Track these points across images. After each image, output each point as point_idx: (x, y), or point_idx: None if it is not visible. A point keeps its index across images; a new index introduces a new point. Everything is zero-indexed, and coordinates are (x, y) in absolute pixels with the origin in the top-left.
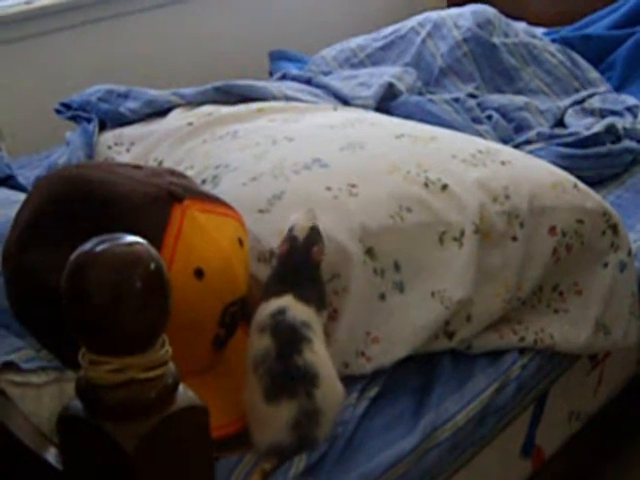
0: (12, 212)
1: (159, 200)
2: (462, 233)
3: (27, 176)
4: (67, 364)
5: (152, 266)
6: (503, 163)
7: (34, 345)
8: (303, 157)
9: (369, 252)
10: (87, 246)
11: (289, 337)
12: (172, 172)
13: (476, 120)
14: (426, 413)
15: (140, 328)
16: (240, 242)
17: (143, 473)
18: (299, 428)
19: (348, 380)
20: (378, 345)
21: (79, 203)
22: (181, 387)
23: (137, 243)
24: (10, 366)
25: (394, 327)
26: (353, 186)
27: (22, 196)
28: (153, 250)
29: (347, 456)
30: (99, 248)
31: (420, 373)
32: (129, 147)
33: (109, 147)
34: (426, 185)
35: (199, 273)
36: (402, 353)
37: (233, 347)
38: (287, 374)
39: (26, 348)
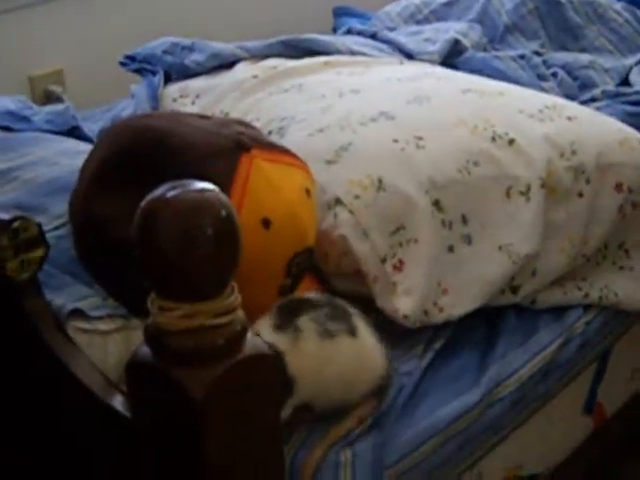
0: (79, 162)
1: (227, 150)
2: (529, 188)
3: (91, 128)
4: (133, 312)
5: (223, 213)
6: (570, 119)
7: (101, 293)
8: (370, 109)
9: (436, 204)
10: (158, 192)
11: None
12: (239, 122)
13: (541, 77)
14: (490, 367)
15: (210, 274)
16: (307, 192)
17: (210, 420)
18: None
19: (413, 332)
20: (448, 297)
21: (146, 153)
22: (249, 334)
23: (208, 189)
24: (78, 313)
25: (463, 280)
26: (420, 139)
27: (88, 147)
28: (224, 197)
29: (411, 408)
30: (170, 194)
31: (484, 327)
32: (194, 99)
33: (174, 99)
34: (493, 139)
35: (266, 223)
36: (471, 306)
37: None
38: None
39: (93, 296)
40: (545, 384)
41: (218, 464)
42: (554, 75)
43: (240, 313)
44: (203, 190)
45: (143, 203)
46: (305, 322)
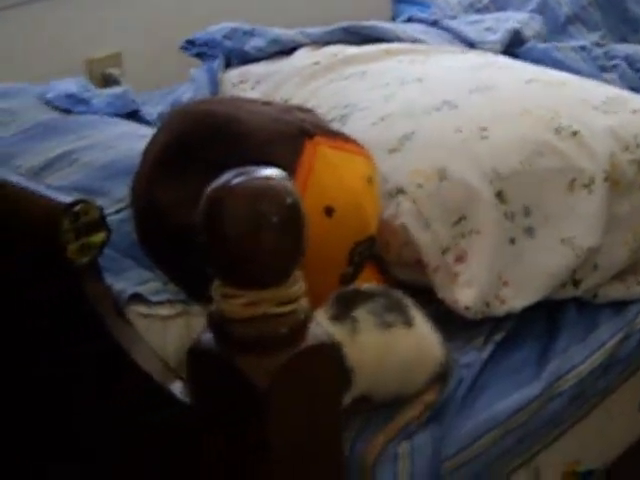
0: (139, 145)
1: (290, 136)
2: (592, 180)
3: (150, 112)
4: (194, 297)
5: (289, 200)
6: (634, 112)
7: (162, 278)
8: (433, 98)
9: (499, 195)
10: (224, 179)
11: None
12: (302, 109)
13: (602, 69)
14: (550, 361)
15: (275, 262)
16: (370, 181)
17: (273, 409)
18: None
19: (473, 324)
20: (509, 289)
21: (208, 139)
22: (313, 323)
23: (274, 176)
24: (138, 298)
25: (524, 272)
26: (484, 129)
27: (148, 130)
28: (290, 184)
29: (470, 400)
30: (236, 181)
31: (545, 320)
32: (254, 85)
33: (234, 85)
34: (557, 131)
35: (329, 211)
36: (533, 299)
37: None
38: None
39: (154, 280)
40: (605, 379)
41: (280, 452)
42: (615, 67)
43: (304, 302)
44: (269, 177)
45: (208, 190)
46: (362, 313)
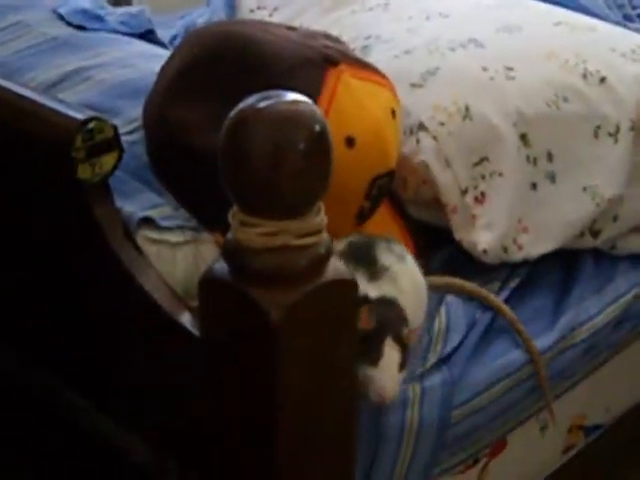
0: (154, 66)
1: (314, 62)
2: (617, 129)
3: (163, 35)
4: (205, 225)
5: (317, 128)
6: None
7: (172, 203)
8: (458, 35)
9: (523, 138)
10: (249, 101)
11: None
12: (327, 36)
13: (627, 18)
14: (565, 312)
15: (299, 191)
16: (393, 113)
17: (285, 343)
18: None
19: (489, 269)
20: (527, 235)
21: (231, 60)
22: (332, 259)
23: (302, 102)
24: (148, 222)
25: (544, 218)
26: (510, 69)
27: (164, 51)
28: (318, 110)
29: (483, 347)
30: (263, 104)
31: (561, 270)
32: (272, 12)
33: (251, 10)
34: (584, 76)
35: (350, 142)
36: (550, 246)
37: (373, 225)
38: None
39: (165, 205)
40: (617, 334)
41: (291, 388)
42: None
43: (325, 235)
44: (296, 102)
45: (233, 112)
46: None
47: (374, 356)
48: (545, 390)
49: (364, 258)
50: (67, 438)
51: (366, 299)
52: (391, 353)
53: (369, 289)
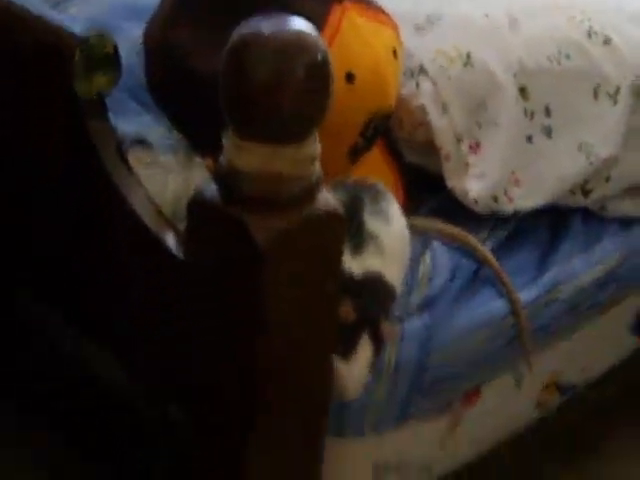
0: None
1: None
2: (617, 90)
3: None
4: (199, 149)
5: (319, 56)
6: None
7: (167, 126)
8: None
9: (522, 90)
10: (252, 24)
11: None
12: None
13: None
14: (550, 267)
15: (296, 118)
16: (395, 53)
17: (271, 270)
18: None
19: (479, 218)
20: (519, 188)
21: None
22: (323, 190)
23: (306, 29)
24: (141, 143)
25: (537, 172)
26: (514, 20)
27: None
28: (321, 40)
29: (466, 295)
30: (266, 28)
31: (549, 227)
32: None
33: None
34: (589, 35)
35: (350, 77)
36: (541, 200)
37: (365, 165)
38: None
39: (159, 127)
40: (601, 294)
41: (273, 314)
42: None
43: (318, 165)
44: (301, 29)
45: (236, 34)
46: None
47: (347, 350)
48: (525, 341)
49: (350, 225)
50: (49, 360)
51: (351, 279)
52: (365, 350)
53: (353, 264)
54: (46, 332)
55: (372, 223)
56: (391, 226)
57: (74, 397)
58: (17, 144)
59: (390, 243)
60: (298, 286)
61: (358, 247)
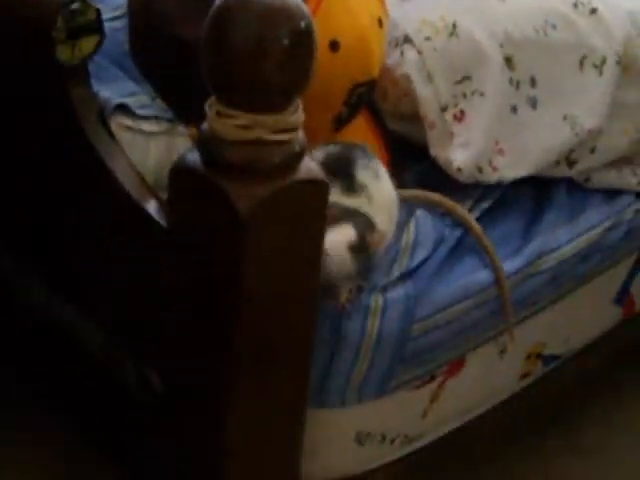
0: None
1: None
2: (603, 61)
3: None
4: (180, 117)
5: (302, 24)
6: None
7: (150, 93)
8: None
9: (508, 61)
10: None
11: None
12: None
13: None
14: (534, 238)
15: (279, 86)
16: (380, 22)
17: (252, 238)
18: None
19: (463, 187)
20: (503, 158)
21: None
22: (306, 158)
23: None
24: (123, 109)
25: (521, 143)
26: None
27: None
28: (305, 7)
29: (449, 265)
30: None
31: (534, 198)
32: None
33: None
34: (575, 5)
35: (334, 45)
36: (525, 171)
37: (349, 133)
38: None
39: (142, 94)
40: (585, 265)
41: (253, 284)
42: None
43: (301, 134)
44: None
45: (219, 0)
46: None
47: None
48: (507, 310)
49: (341, 172)
50: (29, 325)
51: (344, 209)
52: (346, 231)
53: (343, 200)
54: (31, 300)
55: (363, 175)
56: (380, 182)
57: (58, 362)
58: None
59: (379, 197)
60: (280, 253)
61: (350, 190)
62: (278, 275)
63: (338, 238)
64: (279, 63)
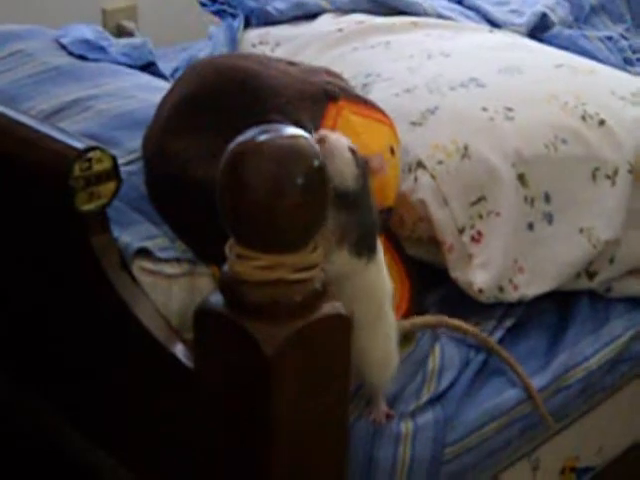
0: (154, 98)
1: (314, 97)
2: (616, 172)
3: (164, 67)
4: (201, 258)
5: (315, 163)
6: None
7: (169, 234)
8: (459, 75)
9: (521, 178)
10: (249, 135)
11: None
12: (328, 72)
13: (628, 62)
14: (560, 352)
15: (296, 226)
16: (392, 151)
17: (279, 377)
18: None
19: (484, 308)
20: (523, 275)
21: (232, 93)
22: (329, 294)
23: (301, 136)
24: (144, 253)
25: (540, 259)
26: (510, 110)
27: (165, 84)
28: (316, 146)
29: (477, 386)
30: (261, 138)
31: (556, 311)
32: (274, 47)
33: (253, 45)
34: (583, 118)
35: None
36: (546, 287)
37: None
38: None
39: (161, 237)
40: (612, 376)
41: (284, 423)
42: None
43: (321, 270)
44: (295, 136)
45: (232, 145)
46: None
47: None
48: (546, 417)
49: None
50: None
51: None
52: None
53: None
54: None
55: None
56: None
57: None
58: (22, 265)
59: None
60: (306, 389)
61: None
62: (305, 411)
63: (339, 137)
64: (295, 203)
